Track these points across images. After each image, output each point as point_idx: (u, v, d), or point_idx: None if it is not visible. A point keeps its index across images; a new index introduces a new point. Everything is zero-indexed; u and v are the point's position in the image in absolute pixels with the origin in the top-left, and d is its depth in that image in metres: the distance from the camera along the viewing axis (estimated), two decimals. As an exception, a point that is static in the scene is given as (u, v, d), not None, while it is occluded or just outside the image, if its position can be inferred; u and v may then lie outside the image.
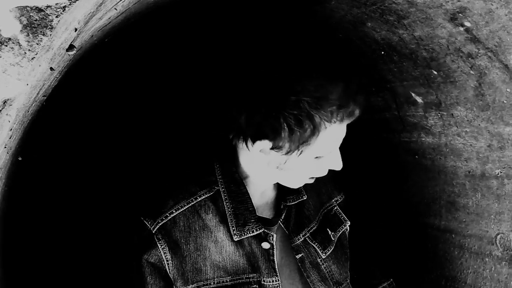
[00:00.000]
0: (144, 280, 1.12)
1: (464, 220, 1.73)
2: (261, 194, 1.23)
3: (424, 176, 1.86)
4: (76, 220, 2.52)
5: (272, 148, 1.02)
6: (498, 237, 1.58)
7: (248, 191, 1.17)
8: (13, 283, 1.44)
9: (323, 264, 1.23)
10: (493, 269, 1.62)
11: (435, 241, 1.90)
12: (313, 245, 1.24)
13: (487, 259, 1.64)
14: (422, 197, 1.91)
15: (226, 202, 1.14)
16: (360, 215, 1.54)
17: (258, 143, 1.03)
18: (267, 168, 1.10)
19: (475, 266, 1.71)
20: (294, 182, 1.13)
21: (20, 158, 1.09)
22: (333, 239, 1.29)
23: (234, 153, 1.16)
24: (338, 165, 1.08)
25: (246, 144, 1.04)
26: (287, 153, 1.01)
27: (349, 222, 1.36)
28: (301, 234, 1.23)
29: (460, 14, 1.20)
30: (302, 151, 1.00)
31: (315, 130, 0.96)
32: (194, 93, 2.28)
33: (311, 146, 1.00)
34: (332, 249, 1.27)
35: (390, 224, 2.04)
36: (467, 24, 1.22)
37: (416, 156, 1.86)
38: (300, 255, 1.21)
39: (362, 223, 1.53)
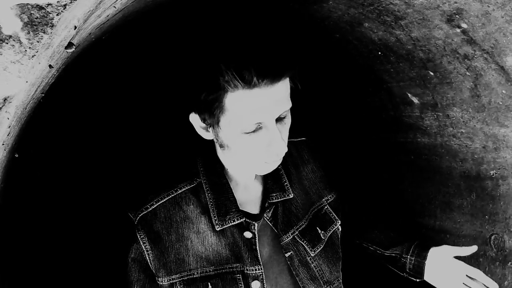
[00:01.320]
0: (128, 279, 1.16)
1: (458, 220, 1.74)
2: (244, 188, 1.24)
3: (420, 176, 1.87)
4: (73, 217, 2.52)
5: (202, 121, 1.06)
6: (492, 237, 1.59)
7: (230, 184, 1.19)
8: (10, 285, 1.43)
9: (312, 263, 1.24)
10: (487, 269, 1.63)
11: (430, 241, 1.91)
12: (302, 243, 1.24)
13: (481, 260, 1.66)
14: (417, 197, 1.92)
15: (208, 193, 1.17)
16: (355, 215, 1.54)
17: (190, 116, 1.08)
18: (219, 151, 1.15)
19: (469, 266, 1.72)
20: (246, 165, 1.11)
21: (16, 155, 1.09)
22: (323, 238, 1.28)
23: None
24: (276, 145, 1.00)
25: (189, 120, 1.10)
26: (210, 124, 1.05)
27: (339, 222, 1.35)
28: (289, 232, 1.23)
29: (456, 16, 1.21)
30: (219, 119, 1.00)
31: (217, 93, 0.95)
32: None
33: (225, 114, 0.98)
34: (321, 247, 1.27)
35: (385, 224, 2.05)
36: (464, 25, 1.23)
37: (412, 157, 1.87)
38: (289, 253, 1.21)
39: (358, 223, 1.54)
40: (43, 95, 0.93)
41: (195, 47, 1.00)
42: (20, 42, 0.51)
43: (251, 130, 0.99)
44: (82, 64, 1.33)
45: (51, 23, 0.52)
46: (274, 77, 0.94)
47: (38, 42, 0.53)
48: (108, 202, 2.37)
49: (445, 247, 1.36)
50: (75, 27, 0.69)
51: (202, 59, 0.98)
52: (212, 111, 0.99)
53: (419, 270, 1.37)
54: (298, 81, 1.05)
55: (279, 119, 1.02)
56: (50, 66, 0.74)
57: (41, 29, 0.52)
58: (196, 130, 1.11)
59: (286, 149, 1.02)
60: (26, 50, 0.52)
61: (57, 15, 0.53)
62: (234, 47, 0.95)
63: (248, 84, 0.93)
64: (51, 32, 0.53)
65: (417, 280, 1.41)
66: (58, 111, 2.27)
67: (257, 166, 1.09)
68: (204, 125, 1.08)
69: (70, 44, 0.77)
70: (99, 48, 1.37)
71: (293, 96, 1.05)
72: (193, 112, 1.07)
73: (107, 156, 2.67)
